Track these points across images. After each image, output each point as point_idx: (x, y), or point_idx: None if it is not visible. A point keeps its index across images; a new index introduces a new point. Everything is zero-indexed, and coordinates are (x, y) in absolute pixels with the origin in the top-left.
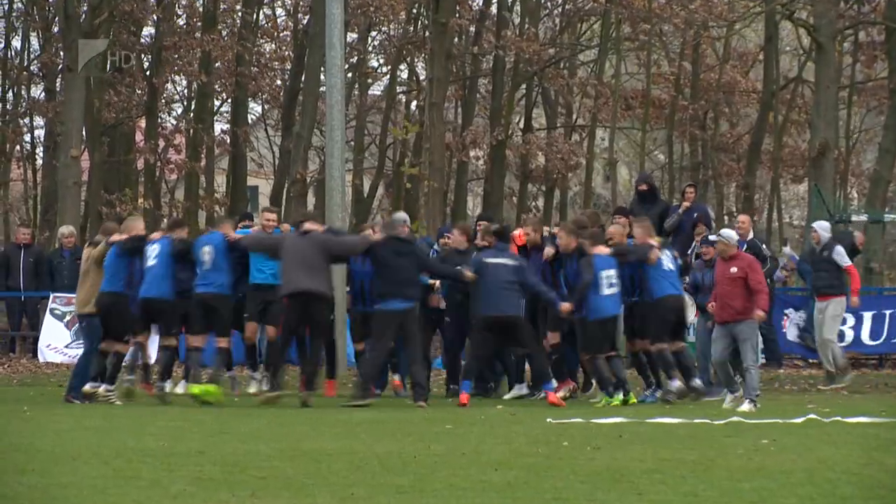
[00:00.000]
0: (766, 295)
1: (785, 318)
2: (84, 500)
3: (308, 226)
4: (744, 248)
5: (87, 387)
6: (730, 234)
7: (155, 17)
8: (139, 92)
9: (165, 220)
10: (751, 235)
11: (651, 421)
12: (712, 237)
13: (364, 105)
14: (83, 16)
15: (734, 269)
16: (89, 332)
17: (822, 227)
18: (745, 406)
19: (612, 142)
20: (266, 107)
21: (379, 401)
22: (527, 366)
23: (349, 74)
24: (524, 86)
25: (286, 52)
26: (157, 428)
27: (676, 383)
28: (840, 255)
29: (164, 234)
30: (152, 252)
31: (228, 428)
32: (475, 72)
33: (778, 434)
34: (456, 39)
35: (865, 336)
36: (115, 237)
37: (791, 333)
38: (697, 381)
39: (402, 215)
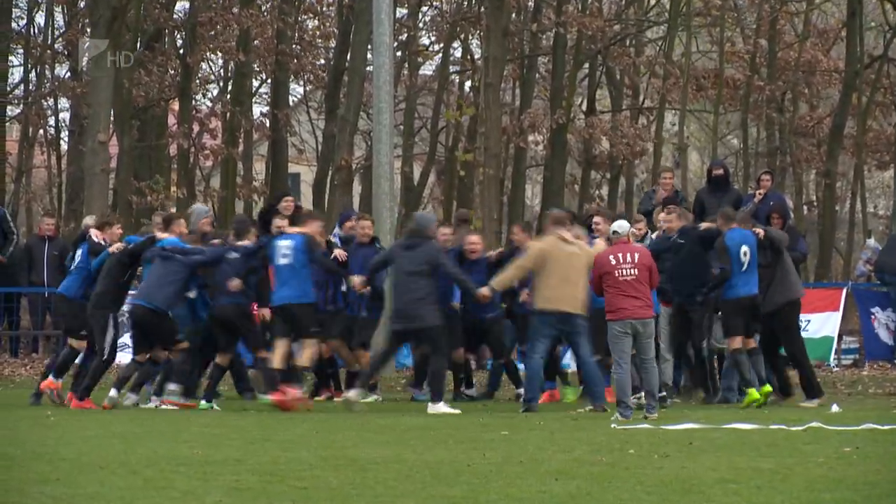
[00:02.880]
0: None
1: (872, 317)
2: None
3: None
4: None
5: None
6: (621, 224)
7: None
8: (172, 72)
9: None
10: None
11: (724, 427)
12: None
13: (414, 86)
14: None
15: None
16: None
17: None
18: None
19: (681, 125)
20: (309, 88)
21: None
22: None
23: (398, 53)
24: (587, 65)
25: (330, 29)
26: (191, 434)
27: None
28: None
29: None
30: None
31: (270, 434)
32: (534, 50)
33: (862, 441)
34: (513, 15)
35: None
36: None
37: (884, 335)
38: None
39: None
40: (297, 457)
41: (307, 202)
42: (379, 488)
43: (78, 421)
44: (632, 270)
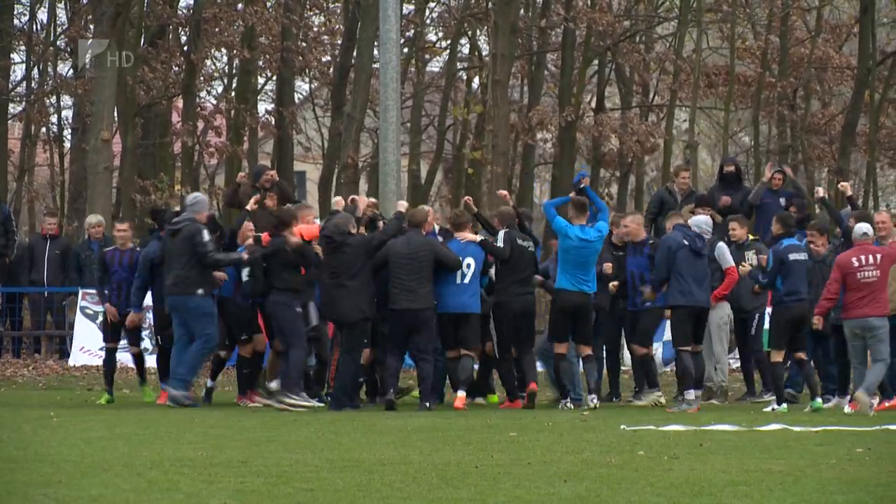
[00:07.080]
0: None
1: None
2: None
3: None
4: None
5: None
6: (868, 226)
7: None
8: (176, 69)
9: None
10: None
11: (735, 428)
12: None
13: (421, 83)
14: None
15: None
16: None
17: (702, 223)
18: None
19: (692, 123)
20: (314, 85)
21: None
22: None
23: (405, 49)
24: (596, 62)
25: (336, 25)
26: (195, 435)
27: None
28: (722, 253)
29: None
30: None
31: (275, 436)
32: (543, 47)
33: (874, 442)
34: (522, 11)
35: None
36: None
37: None
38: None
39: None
40: (303, 459)
41: (313, 200)
42: (385, 490)
43: (82, 422)
44: (874, 272)
